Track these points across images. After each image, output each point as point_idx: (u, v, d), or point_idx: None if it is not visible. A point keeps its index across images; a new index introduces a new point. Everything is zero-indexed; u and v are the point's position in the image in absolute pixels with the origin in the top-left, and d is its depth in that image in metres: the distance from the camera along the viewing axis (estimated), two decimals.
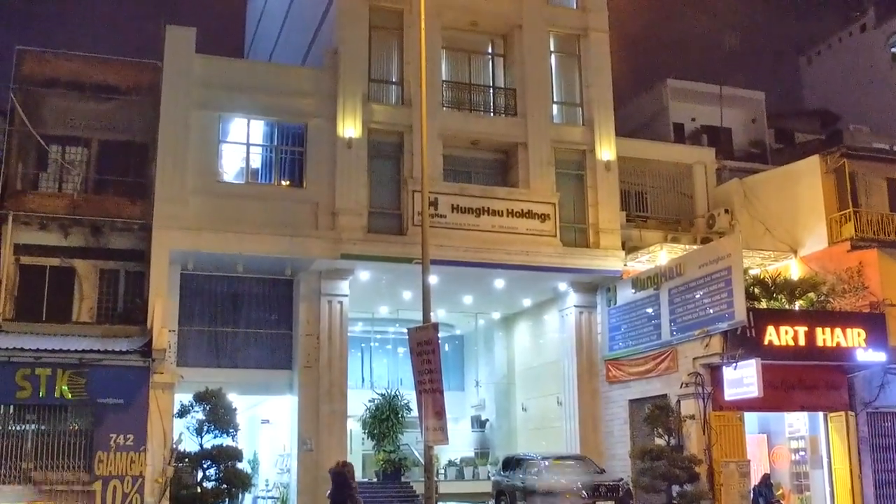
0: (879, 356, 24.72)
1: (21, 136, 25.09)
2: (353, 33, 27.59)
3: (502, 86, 29.78)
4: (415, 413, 19.90)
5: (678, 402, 25.11)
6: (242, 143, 26.74)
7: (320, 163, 26.51)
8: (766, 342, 23.71)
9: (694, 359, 24.85)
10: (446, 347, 34.57)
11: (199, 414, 22.97)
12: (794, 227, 28.71)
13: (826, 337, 24.33)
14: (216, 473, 22.58)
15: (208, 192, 25.52)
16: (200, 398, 23.09)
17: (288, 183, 26.98)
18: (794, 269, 28.09)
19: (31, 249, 24.71)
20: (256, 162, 27.10)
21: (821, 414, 25.90)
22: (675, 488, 23.86)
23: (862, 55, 52.50)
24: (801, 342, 24.08)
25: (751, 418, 26.02)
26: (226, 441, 23.08)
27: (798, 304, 25.73)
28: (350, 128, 26.65)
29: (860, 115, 47.03)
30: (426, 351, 17.53)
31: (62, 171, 25.77)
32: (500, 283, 28.97)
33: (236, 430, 23.39)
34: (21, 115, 24.91)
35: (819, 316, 25.00)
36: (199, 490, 22.45)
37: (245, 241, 25.18)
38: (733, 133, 40.45)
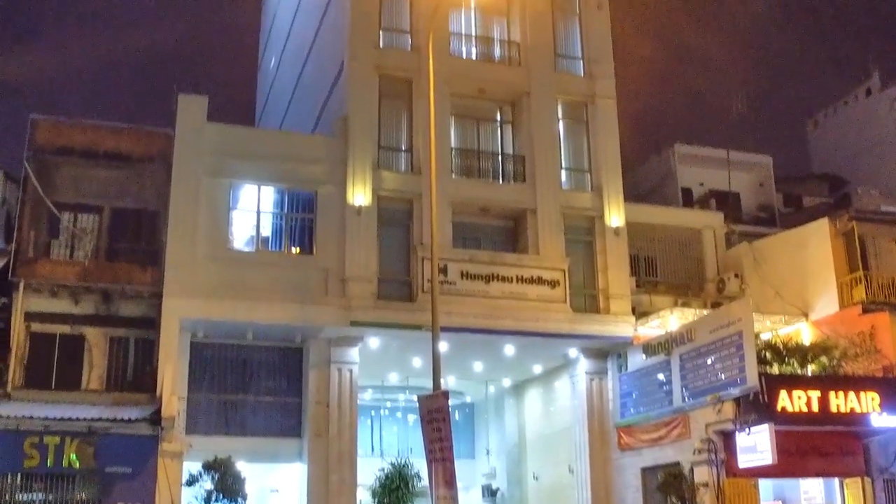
0: (894, 421, 24.42)
1: (34, 203, 25.29)
2: (363, 101, 27.90)
3: (511, 152, 29.97)
4: (425, 482, 19.72)
5: (691, 469, 24.80)
6: (253, 211, 26.87)
7: (330, 230, 26.61)
8: (779, 408, 23.42)
9: (706, 425, 24.59)
10: (456, 415, 34.34)
11: (207, 483, 22.80)
12: (804, 291, 28.59)
13: (839, 402, 24.02)
14: None
15: (219, 260, 25.60)
16: (209, 467, 22.93)
17: (298, 250, 27.05)
18: (805, 333, 27.93)
19: (41, 317, 24.74)
20: (267, 229, 27.21)
21: (836, 480, 25.48)
22: None
23: (868, 119, 52.68)
24: (815, 407, 23.76)
25: (765, 485, 25.62)
26: None
27: (810, 369, 25.50)
28: (360, 195, 26.80)
29: (868, 178, 47.05)
30: (437, 419, 17.43)
31: (74, 239, 25.91)
32: (510, 350, 28.84)
33: (245, 500, 23.19)
34: (35, 183, 25.13)
35: (832, 380, 24.74)
36: None
37: (255, 308, 25.20)
38: (742, 197, 40.57)
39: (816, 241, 28.53)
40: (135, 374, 25.15)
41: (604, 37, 31.28)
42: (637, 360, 28.11)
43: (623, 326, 28.41)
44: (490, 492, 34.33)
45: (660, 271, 31.54)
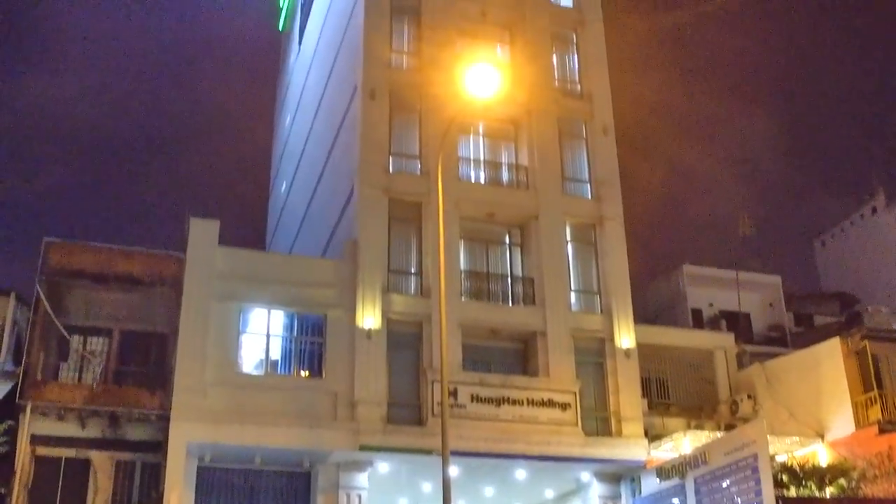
0: None
1: (44, 326, 25.38)
2: (372, 225, 28.18)
3: (520, 275, 30.09)
4: None
5: None
6: (262, 334, 26.85)
7: (339, 353, 26.53)
8: None
9: None
10: None
11: None
12: (819, 411, 28.27)
13: None
14: None
15: (227, 384, 25.47)
16: None
17: (307, 373, 26.93)
18: (822, 455, 27.47)
19: (47, 440, 24.55)
20: (276, 352, 27.13)
21: None
22: None
23: (875, 236, 52.99)
24: None
25: None
26: None
27: (829, 492, 25.04)
28: (369, 318, 26.82)
29: (878, 295, 47.01)
30: None
31: (83, 362, 25.92)
32: (521, 474, 28.36)
33: None
34: (46, 306, 25.26)
35: (851, 503, 24.26)
36: None
37: (263, 432, 24.93)
38: (752, 317, 40.49)
39: (829, 361, 28.34)
40: (140, 498, 24.81)
41: (610, 160, 31.77)
42: (651, 484, 27.61)
43: (636, 450, 28.01)
44: None
45: (672, 393, 31.28)
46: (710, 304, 39.46)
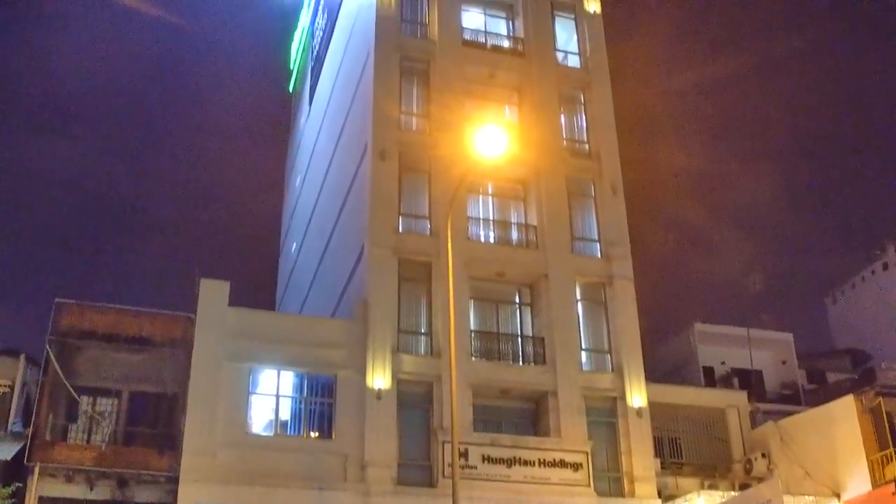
0: None
1: (53, 387, 25.36)
2: (382, 285, 28.21)
3: (531, 334, 30.01)
4: None
5: None
6: (272, 395, 26.78)
7: (349, 414, 26.43)
8: None
9: None
10: None
11: None
12: (834, 470, 27.99)
13: None
14: None
15: (237, 445, 25.36)
16: None
17: (317, 434, 26.81)
18: None
19: (55, 502, 24.37)
20: (285, 413, 27.04)
21: None
22: None
23: (886, 292, 52.87)
24: None
25: None
26: None
27: None
28: (379, 378, 26.75)
29: (890, 351, 46.75)
30: None
31: (91, 423, 25.84)
32: None
33: None
34: (55, 367, 25.27)
35: None
36: None
37: (273, 495, 24.75)
38: (764, 375, 40.20)
39: (843, 419, 28.11)
40: None
41: (619, 219, 31.85)
42: None
43: None
44: None
45: (684, 452, 31.00)
46: (722, 362, 39.24)
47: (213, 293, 26.80)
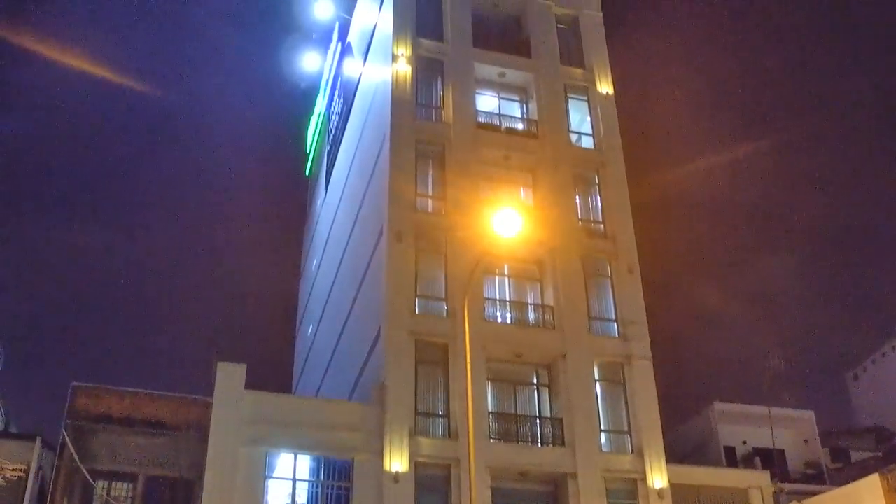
0: None
1: (69, 471, 25.29)
2: (399, 367, 28.12)
3: (549, 415, 29.77)
4: None
5: None
6: (289, 479, 26.53)
7: (367, 498, 26.13)
8: None
9: None
10: None
11: None
12: None
13: None
14: None
15: None
16: None
17: None
18: None
19: None
20: (302, 497, 26.73)
21: None
22: None
23: None
24: None
25: None
26: None
27: None
28: (397, 462, 26.50)
29: None
30: None
31: None
32: None
33: None
34: (71, 450, 25.20)
35: None
36: None
37: None
38: (787, 454, 39.67)
39: (869, 498, 27.57)
40: None
41: (636, 299, 31.79)
42: None
43: None
44: None
45: None
46: (744, 442, 38.76)
47: (229, 376, 26.75)
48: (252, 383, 27.15)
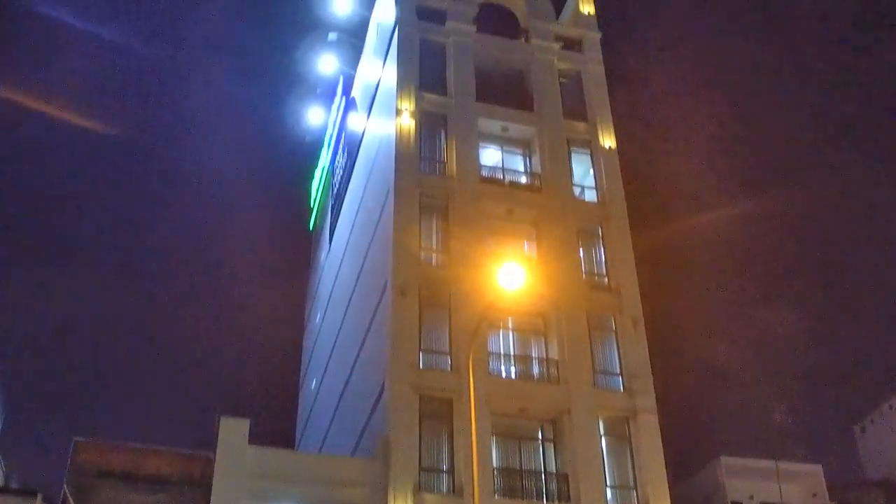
0: None
1: None
2: (403, 423, 27.94)
3: (554, 471, 29.50)
4: None
5: None
6: None
7: None
8: None
9: None
10: None
11: None
12: None
13: None
14: None
15: None
16: None
17: None
18: None
19: None
20: None
21: None
22: None
23: None
24: None
25: None
26: None
27: None
28: None
29: None
30: None
31: None
32: None
33: None
34: None
35: None
36: None
37: None
38: None
39: None
40: None
41: (641, 353, 31.65)
42: None
43: None
44: None
45: None
46: (751, 497, 38.28)
47: (232, 432, 26.59)
48: (255, 438, 27.01)
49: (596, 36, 39.91)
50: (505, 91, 37.38)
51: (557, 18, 40.88)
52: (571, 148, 36.23)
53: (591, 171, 36.07)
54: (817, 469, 40.84)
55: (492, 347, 30.82)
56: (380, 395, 29.80)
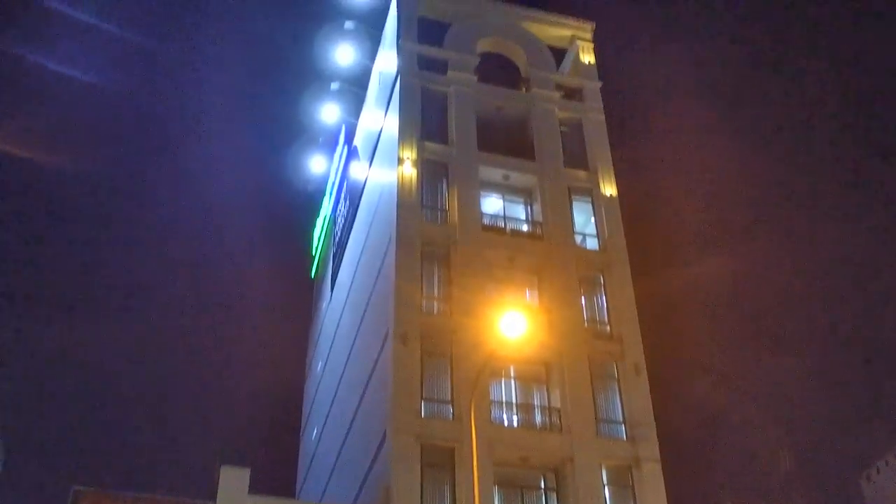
0: None
1: None
2: (405, 471, 27.75)
3: None
4: None
5: None
6: None
7: None
8: None
9: None
10: None
11: None
12: None
13: None
14: None
15: None
16: None
17: None
18: None
19: None
20: None
21: None
22: None
23: None
24: None
25: None
26: None
27: None
28: None
29: None
30: None
31: None
32: None
33: None
34: None
35: None
36: None
37: None
38: None
39: None
40: None
41: (644, 401, 31.48)
42: None
43: None
44: None
45: None
46: None
47: (233, 481, 26.42)
48: (256, 487, 26.84)
49: (596, 85, 40.20)
50: (506, 140, 37.57)
51: (558, 68, 41.22)
52: (573, 196, 36.32)
53: (593, 218, 36.14)
54: None
55: (494, 396, 30.67)
56: (381, 444, 29.60)
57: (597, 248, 35.33)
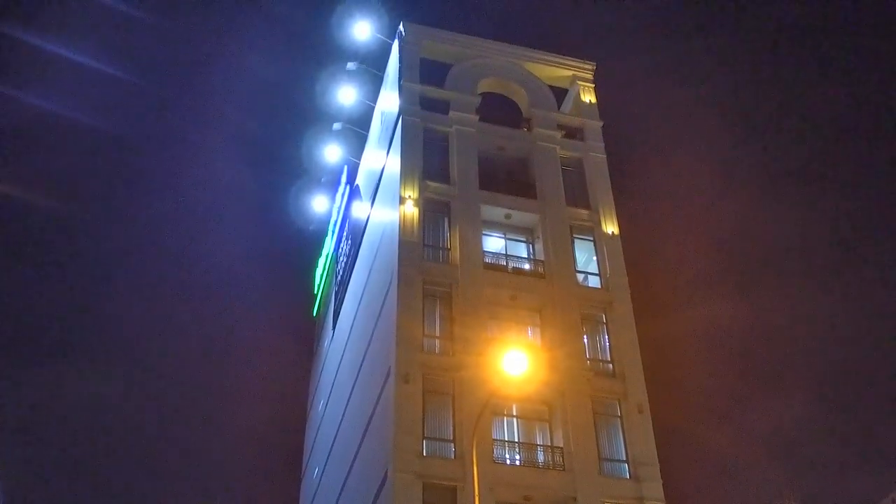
0: None
1: None
2: None
3: None
4: None
5: None
6: None
7: None
8: None
9: None
10: None
11: None
12: None
13: None
14: None
15: None
16: None
17: None
18: None
19: None
20: None
21: None
22: None
23: None
24: None
25: None
26: None
27: None
28: None
29: None
30: None
31: None
32: None
33: None
34: None
35: None
36: None
37: None
38: None
39: None
40: None
41: (647, 439, 31.30)
42: None
43: None
44: None
45: None
46: None
47: None
48: None
49: (597, 124, 40.44)
50: (508, 179, 37.74)
51: (559, 107, 41.48)
52: (574, 235, 36.39)
53: (595, 257, 36.19)
54: None
55: (496, 434, 30.55)
56: (383, 483, 29.45)
57: (599, 286, 35.33)
